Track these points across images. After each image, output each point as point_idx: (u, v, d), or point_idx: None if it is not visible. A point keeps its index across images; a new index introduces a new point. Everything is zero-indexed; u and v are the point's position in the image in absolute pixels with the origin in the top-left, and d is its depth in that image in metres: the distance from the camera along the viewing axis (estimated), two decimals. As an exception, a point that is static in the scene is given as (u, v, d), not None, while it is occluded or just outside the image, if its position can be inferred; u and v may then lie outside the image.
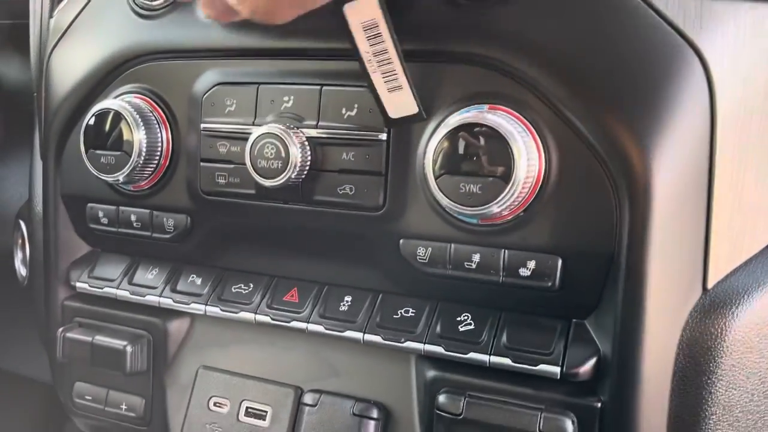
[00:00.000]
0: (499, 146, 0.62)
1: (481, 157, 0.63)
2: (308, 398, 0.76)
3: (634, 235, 0.62)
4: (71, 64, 0.89)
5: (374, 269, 0.75)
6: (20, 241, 1.08)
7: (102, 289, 0.89)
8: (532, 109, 0.64)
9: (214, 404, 0.82)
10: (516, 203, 0.64)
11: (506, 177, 0.62)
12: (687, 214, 0.64)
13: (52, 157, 0.90)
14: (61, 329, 0.89)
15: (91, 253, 0.93)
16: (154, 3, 0.81)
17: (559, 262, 0.65)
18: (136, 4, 0.82)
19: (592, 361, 0.65)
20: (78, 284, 0.90)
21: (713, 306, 0.64)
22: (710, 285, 0.65)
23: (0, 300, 1.31)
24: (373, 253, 0.74)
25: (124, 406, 0.88)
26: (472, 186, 0.63)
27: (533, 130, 0.64)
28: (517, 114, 0.64)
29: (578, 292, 0.65)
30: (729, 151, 0.63)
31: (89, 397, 0.91)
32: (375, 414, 0.73)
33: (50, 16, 0.94)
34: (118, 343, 0.85)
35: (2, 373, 1.46)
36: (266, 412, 0.79)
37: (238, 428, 0.80)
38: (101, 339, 0.86)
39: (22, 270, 1.08)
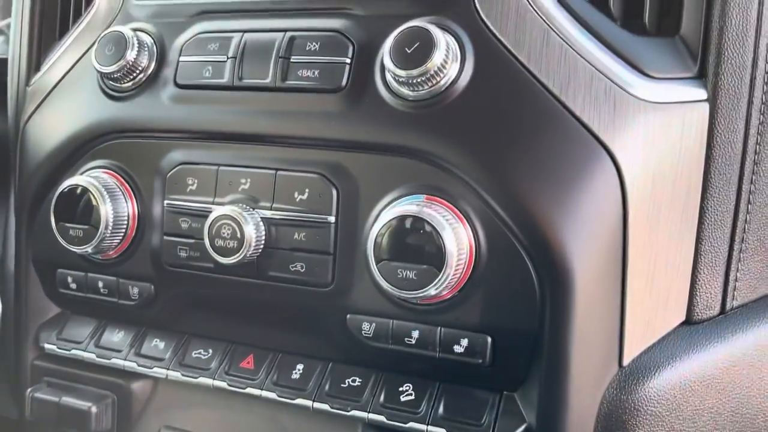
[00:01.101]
0: (432, 236, 0.68)
1: (416, 246, 0.69)
2: (261, 463, 0.81)
3: (556, 315, 0.68)
4: (45, 135, 0.94)
5: (325, 340, 0.81)
6: (-8, 298, 1.12)
7: (69, 351, 0.93)
8: (465, 201, 0.70)
9: (174, 465, 0.87)
10: (450, 286, 0.70)
11: (439, 264, 0.68)
12: (604, 296, 0.70)
13: (25, 224, 0.95)
14: (29, 390, 0.93)
15: (60, 315, 0.98)
16: (123, 85, 0.87)
17: (489, 340, 0.70)
18: (107, 86, 0.88)
19: (519, 432, 0.71)
20: (47, 345, 0.95)
21: (628, 381, 0.70)
22: (625, 362, 0.71)
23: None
24: (323, 325, 0.79)
25: (89, 464, 0.92)
26: (408, 272, 0.69)
27: (464, 220, 0.70)
28: (451, 205, 0.70)
29: (507, 367, 0.71)
30: (640, 239, 0.70)
31: (56, 455, 0.95)
32: (323, 479, 0.79)
33: (27, 82, 1.00)
34: (83, 404, 0.89)
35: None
36: (223, 472, 0.84)
37: (196, 488, 0.84)
38: (67, 400, 0.90)
39: (-6, 325, 1.12)
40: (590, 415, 0.70)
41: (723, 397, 0.72)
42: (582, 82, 0.69)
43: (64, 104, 0.93)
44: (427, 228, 0.68)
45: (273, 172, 0.78)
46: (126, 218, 0.86)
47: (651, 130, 0.70)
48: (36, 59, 1.01)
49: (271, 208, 0.78)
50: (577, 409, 0.69)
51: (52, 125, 0.93)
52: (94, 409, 0.89)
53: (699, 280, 0.73)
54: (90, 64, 0.87)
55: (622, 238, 0.70)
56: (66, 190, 0.85)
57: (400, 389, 0.77)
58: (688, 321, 0.74)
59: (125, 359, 0.89)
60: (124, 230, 0.86)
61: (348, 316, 0.76)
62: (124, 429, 0.91)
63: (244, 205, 0.78)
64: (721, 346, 0.72)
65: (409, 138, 0.72)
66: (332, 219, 0.76)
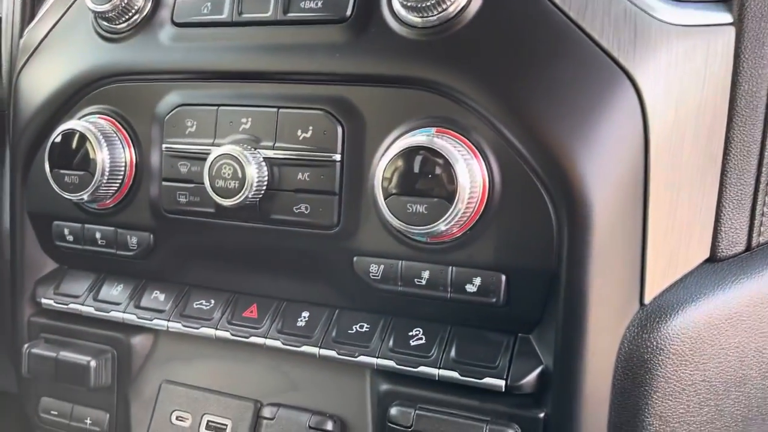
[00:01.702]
0: (444, 168, 0.65)
1: (427, 179, 0.65)
2: (266, 412, 0.78)
3: (574, 252, 0.64)
4: (38, 84, 0.91)
5: (331, 285, 0.78)
6: (-12, 257, 1.09)
7: (67, 305, 0.90)
8: (477, 132, 0.67)
9: (177, 418, 0.84)
10: (461, 222, 0.66)
11: (450, 198, 0.64)
12: (624, 232, 0.66)
13: (19, 176, 0.92)
14: (26, 345, 0.90)
15: (57, 270, 0.95)
16: (118, 26, 0.83)
17: (503, 278, 0.67)
18: (101, 27, 0.84)
19: (535, 374, 0.68)
20: (44, 301, 0.92)
21: (649, 320, 0.67)
22: (647, 300, 0.68)
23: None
24: (329, 270, 0.76)
25: (88, 421, 0.90)
26: (418, 206, 0.66)
27: (477, 152, 0.66)
28: (463, 137, 0.67)
29: (522, 308, 0.68)
30: (662, 171, 0.66)
31: (55, 412, 0.92)
32: (330, 427, 0.76)
33: (20, 36, 0.96)
34: (82, 358, 0.86)
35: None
36: (226, 425, 0.81)
37: (199, 442, 0.82)
38: (66, 355, 0.87)
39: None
40: (610, 355, 0.67)
41: (749, 334, 0.69)
42: (600, 5, 0.65)
43: (58, 50, 0.90)
44: (439, 160, 0.65)
45: (275, 109, 0.75)
46: (123, 165, 0.83)
47: (674, 55, 0.66)
48: (30, 12, 0.97)
49: (273, 148, 0.74)
50: (596, 349, 0.66)
51: (46, 72, 0.90)
52: (93, 364, 0.86)
53: (723, 215, 0.70)
54: (84, 8, 0.84)
55: (644, 170, 0.66)
56: (61, 135, 0.82)
57: (410, 334, 0.73)
58: (712, 258, 0.70)
59: (124, 312, 0.87)
60: (121, 178, 0.83)
61: (355, 258, 0.73)
62: (124, 384, 0.88)
63: (246, 145, 0.74)
64: (746, 283, 0.68)
65: (419, 68, 0.68)
66: (338, 157, 0.72)
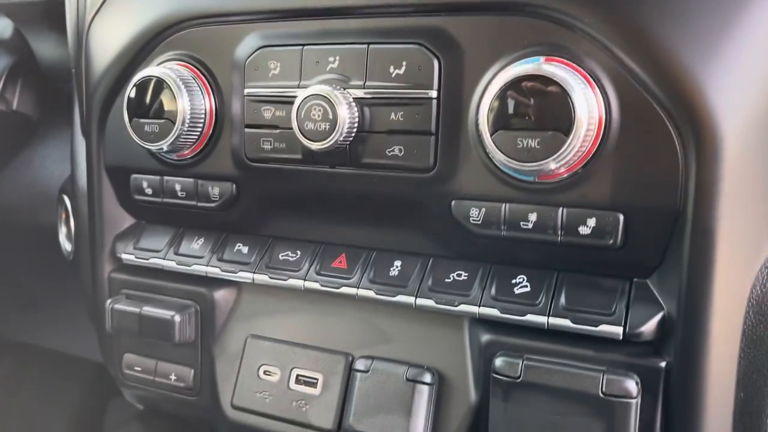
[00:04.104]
0: (559, 98, 0.59)
1: (539, 111, 0.60)
2: (360, 364, 0.75)
3: (702, 188, 0.59)
4: (111, 36, 0.88)
5: (424, 233, 0.74)
6: (64, 215, 1.08)
7: (148, 260, 0.88)
8: (591, 60, 0.61)
9: (264, 373, 0.82)
10: (575, 158, 0.61)
11: (566, 130, 0.59)
12: (756, 165, 0.61)
13: (95, 130, 0.90)
14: (109, 301, 0.89)
15: (135, 226, 0.93)
16: (194, -33, 0.80)
17: (621, 218, 0.62)
18: (176, -30, 0.81)
19: (656, 321, 0.63)
20: (124, 256, 0.91)
21: (785, 261, 0.61)
22: (782, 240, 0.62)
23: (46, 279, 1.33)
24: (424, 216, 0.72)
25: (173, 377, 0.89)
26: (529, 141, 0.61)
27: (592, 81, 0.61)
28: (575, 65, 0.62)
29: (641, 250, 0.63)
30: (802, 98, 0.60)
31: (138, 369, 0.91)
32: (428, 379, 0.72)
33: (88, -12, 0.94)
34: (166, 313, 0.85)
35: (49, 352, 1.48)
36: (317, 379, 0.78)
37: (289, 396, 0.79)
38: (149, 310, 0.86)
39: (66, 245, 1.09)
40: (741, 299, 0.62)
41: None
42: None
43: (130, -1, 0.87)
44: (552, 88, 0.60)
45: (365, 46, 0.70)
46: (203, 113, 0.80)
47: (816, -34, 0.59)
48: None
49: (363, 87, 0.70)
50: (725, 293, 0.61)
51: (120, 20, 0.87)
52: (177, 318, 0.84)
53: None
54: (157, -49, 0.80)
55: (781, 96, 0.60)
56: (140, 81, 0.79)
57: (513, 281, 0.69)
58: None
59: (207, 265, 0.84)
60: (201, 127, 0.80)
61: (453, 202, 0.69)
62: (208, 339, 0.86)
63: (335, 85, 0.70)
64: None
65: (525, -9, 0.63)
66: (434, 94, 0.67)
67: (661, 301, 0.64)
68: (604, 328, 0.64)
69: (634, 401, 0.62)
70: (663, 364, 0.63)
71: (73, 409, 1.64)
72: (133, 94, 0.80)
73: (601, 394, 0.63)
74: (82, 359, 1.40)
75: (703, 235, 0.60)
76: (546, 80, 0.60)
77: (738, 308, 0.62)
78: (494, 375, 0.67)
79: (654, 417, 0.63)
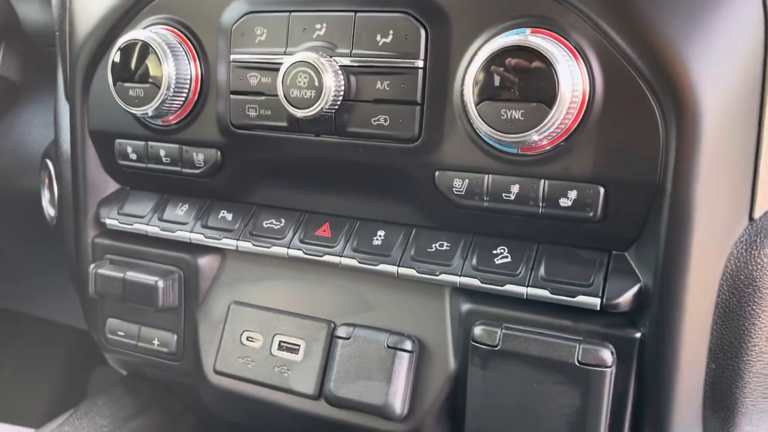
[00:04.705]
0: (543, 71, 0.60)
1: (524, 82, 0.61)
2: (342, 331, 0.76)
3: (682, 161, 0.60)
4: (95, -2, 0.87)
5: (408, 203, 0.74)
6: (47, 180, 1.08)
7: (132, 225, 0.88)
8: (577, 33, 0.62)
9: (247, 339, 0.82)
10: (558, 131, 0.62)
11: (550, 102, 0.60)
12: (736, 141, 0.62)
13: (79, 94, 0.89)
14: (92, 266, 0.89)
15: (119, 191, 0.93)
16: (181, -71, 0.79)
17: (602, 191, 0.63)
18: (162, -68, 0.80)
19: (632, 292, 0.64)
20: (108, 221, 0.90)
21: (759, 236, 0.62)
22: (757, 215, 0.63)
23: (29, 246, 1.33)
24: (408, 186, 0.73)
25: (156, 342, 0.89)
26: (514, 112, 0.61)
27: (578, 54, 0.61)
28: (560, 37, 0.62)
29: (620, 223, 0.64)
30: (782, 76, 0.61)
31: (122, 334, 0.91)
32: (409, 346, 0.73)
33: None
34: (149, 278, 0.85)
35: (32, 318, 1.48)
36: (299, 345, 0.79)
37: (271, 362, 0.80)
38: (133, 275, 0.86)
39: (50, 210, 1.09)
40: (715, 272, 0.63)
41: None
42: None
43: (116, -42, 0.85)
44: (538, 60, 0.60)
45: (352, 13, 0.70)
46: (189, 79, 0.79)
47: (801, -56, 0.59)
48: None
49: (350, 55, 0.70)
50: (701, 266, 0.62)
51: (104, -17, 0.86)
52: (161, 284, 0.85)
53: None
54: None
55: (762, 73, 0.61)
56: (125, 45, 0.79)
57: (494, 252, 0.70)
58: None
59: (191, 231, 0.84)
60: (186, 93, 0.79)
61: (437, 173, 0.69)
62: (192, 305, 0.87)
63: (321, 53, 0.70)
64: None
65: (513, -38, 0.63)
66: (420, 63, 0.68)
67: (639, 273, 0.65)
68: (582, 299, 0.65)
69: (608, 370, 0.63)
70: (638, 335, 0.64)
71: (57, 375, 1.65)
72: (117, 58, 0.79)
73: (576, 363, 0.64)
74: (66, 327, 1.41)
75: (681, 208, 0.61)
76: (531, 52, 0.60)
77: (712, 281, 0.63)
78: (473, 343, 0.68)
79: (627, 386, 0.65)
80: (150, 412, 0.98)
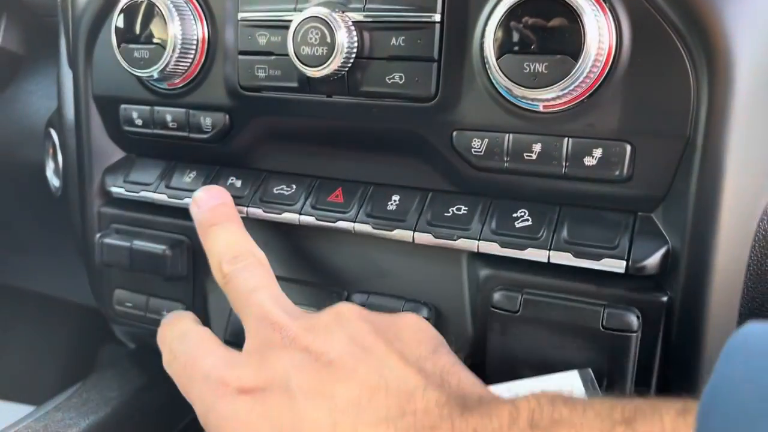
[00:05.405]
0: (569, 21, 0.57)
1: (547, 34, 0.58)
2: (356, 299, 0.74)
3: (714, 115, 0.57)
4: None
5: (424, 166, 0.72)
6: (51, 150, 1.05)
7: (138, 193, 0.86)
8: (603, -19, 0.58)
9: (258, 308, 0.80)
10: (584, 85, 0.59)
11: (575, 54, 0.57)
12: (770, 94, 0.59)
13: (82, 58, 0.87)
14: (98, 235, 0.87)
15: (125, 159, 0.90)
16: None
17: (628, 148, 0.60)
18: None
19: (660, 255, 0.61)
20: (113, 189, 0.88)
21: (794, 194, 0.60)
22: (792, 173, 0.60)
23: (34, 218, 1.31)
24: (424, 148, 0.70)
25: (164, 312, 0.87)
26: (537, 65, 0.58)
27: (603, 3, 0.58)
28: (586, -14, 0.59)
29: (647, 182, 0.61)
30: (821, 25, 0.58)
31: (129, 304, 0.90)
32: (425, 314, 0.71)
33: None
34: (157, 247, 0.83)
35: (38, 296, 1.46)
36: (311, 314, 0.77)
37: (282, 331, 0.78)
38: (140, 243, 0.84)
39: (54, 181, 1.06)
40: (747, 233, 0.60)
41: None
42: None
43: None
44: (562, 11, 0.57)
45: (365, -34, 0.67)
46: (195, 41, 0.76)
47: None
48: None
49: (363, 10, 0.67)
50: (732, 226, 0.59)
51: (106, -59, 0.83)
52: (169, 252, 0.82)
53: None
54: None
55: (799, 22, 0.57)
56: (128, 6, 0.76)
57: (514, 215, 0.67)
58: None
59: (200, 199, 0.82)
60: (192, 55, 0.77)
61: (454, 133, 0.67)
62: (201, 275, 0.85)
63: (334, 8, 0.67)
64: None
65: None
66: (437, 17, 0.65)
67: (666, 235, 0.62)
68: (607, 262, 0.62)
69: (634, 335, 0.61)
70: (665, 299, 0.62)
71: (64, 354, 1.64)
72: (121, 19, 0.77)
73: (601, 328, 0.62)
74: (73, 304, 1.39)
75: (712, 164, 0.58)
76: (556, 1, 0.57)
77: (744, 242, 0.60)
78: (493, 309, 0.66)
79: (654, 351, 0.62)
80: (160, 384, 0.97)
